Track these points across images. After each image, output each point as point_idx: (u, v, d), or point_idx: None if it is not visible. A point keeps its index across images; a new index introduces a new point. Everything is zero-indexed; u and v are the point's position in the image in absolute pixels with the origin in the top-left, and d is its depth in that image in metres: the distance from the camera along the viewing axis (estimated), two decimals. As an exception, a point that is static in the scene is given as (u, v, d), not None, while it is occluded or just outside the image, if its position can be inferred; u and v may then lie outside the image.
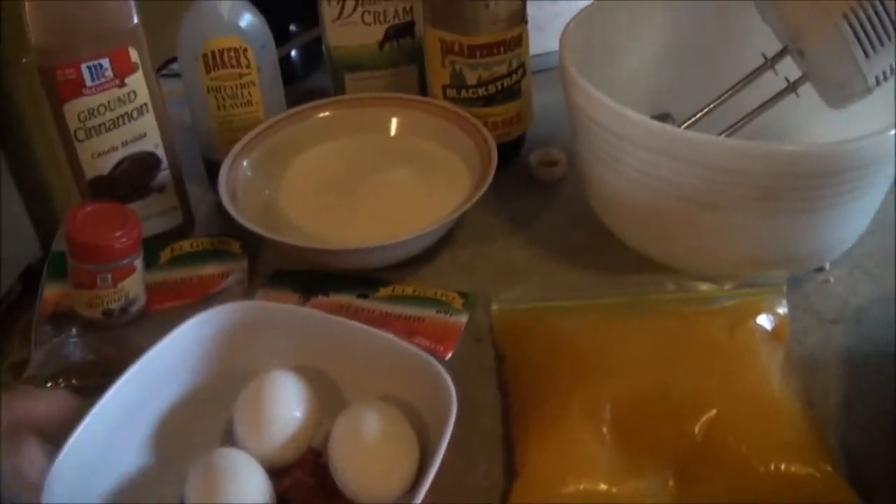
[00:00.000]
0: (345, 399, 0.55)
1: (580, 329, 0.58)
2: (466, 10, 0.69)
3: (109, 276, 0.61)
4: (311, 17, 0.81)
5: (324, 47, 0.80)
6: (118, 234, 0.60)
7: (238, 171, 0.71)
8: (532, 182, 0.76)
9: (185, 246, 0.70)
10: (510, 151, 0.77)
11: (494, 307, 0.62)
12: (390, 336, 0.54)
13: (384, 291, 0.65)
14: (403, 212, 0.69)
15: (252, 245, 0.69)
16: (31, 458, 0.41)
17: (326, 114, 0.76)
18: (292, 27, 0.91)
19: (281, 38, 0.83)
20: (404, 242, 0.63)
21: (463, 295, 0.64)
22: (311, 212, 0.70)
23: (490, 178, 0.66)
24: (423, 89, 0.79)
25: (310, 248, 0.64)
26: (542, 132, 0.79)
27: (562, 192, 0.75)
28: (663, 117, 0.67)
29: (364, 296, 0.65)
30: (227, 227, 0.69)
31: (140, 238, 0.62)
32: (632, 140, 0.57)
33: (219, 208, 0.69)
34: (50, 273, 0.67)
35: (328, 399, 0.54)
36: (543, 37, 0.80)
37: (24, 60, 0.69)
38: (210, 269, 0.68)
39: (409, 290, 0.65)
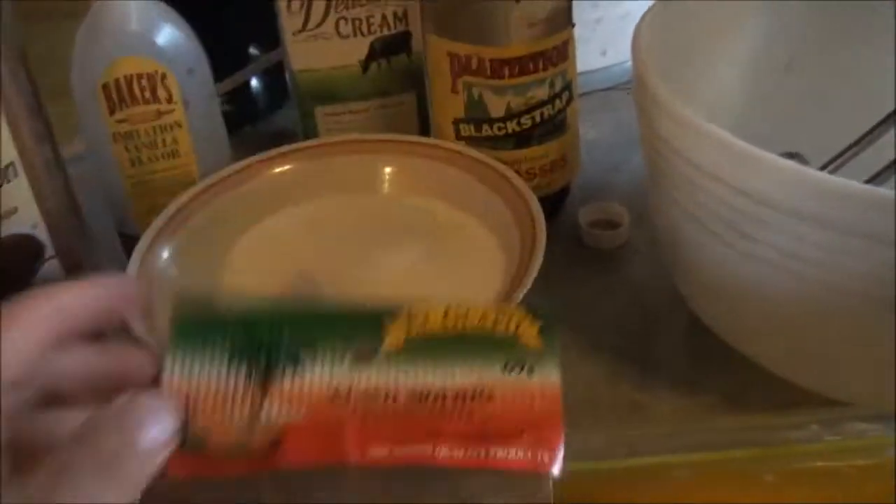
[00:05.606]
0: None
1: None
2: (488, 10, 0.47)
3: None
4: (275, 35, 0.61)
5: (287, 73, 0.58)
6: None
7: (155, 265, 0.46)
8: (581, 250, 0.54)
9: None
10: (550, 209, 0.55)
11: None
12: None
13: (396, 335, 0.32)
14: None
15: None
16: None
17: (285, 168, 0.53)
18: (252, 49, 0.70)
19: (236, 63, 0.65)
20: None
21: (535, 315, 0.32)
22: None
23: (539, 258, 0.43)
24: (426, 127, 0.58)
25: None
26: (591, 179, 0.58)
27: (626, 265, 0.53)
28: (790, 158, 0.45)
29: (370, 353, 0.32)
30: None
31: None
32: (774, 202, 0.35)
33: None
34: None
35: None
36: (581, 51, 0.58)
37: None
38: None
39: (434, 322, 0.32)
